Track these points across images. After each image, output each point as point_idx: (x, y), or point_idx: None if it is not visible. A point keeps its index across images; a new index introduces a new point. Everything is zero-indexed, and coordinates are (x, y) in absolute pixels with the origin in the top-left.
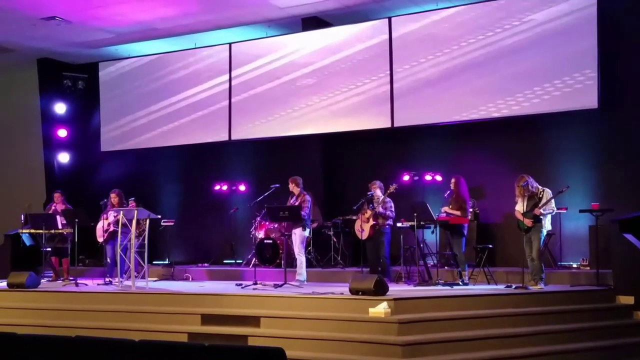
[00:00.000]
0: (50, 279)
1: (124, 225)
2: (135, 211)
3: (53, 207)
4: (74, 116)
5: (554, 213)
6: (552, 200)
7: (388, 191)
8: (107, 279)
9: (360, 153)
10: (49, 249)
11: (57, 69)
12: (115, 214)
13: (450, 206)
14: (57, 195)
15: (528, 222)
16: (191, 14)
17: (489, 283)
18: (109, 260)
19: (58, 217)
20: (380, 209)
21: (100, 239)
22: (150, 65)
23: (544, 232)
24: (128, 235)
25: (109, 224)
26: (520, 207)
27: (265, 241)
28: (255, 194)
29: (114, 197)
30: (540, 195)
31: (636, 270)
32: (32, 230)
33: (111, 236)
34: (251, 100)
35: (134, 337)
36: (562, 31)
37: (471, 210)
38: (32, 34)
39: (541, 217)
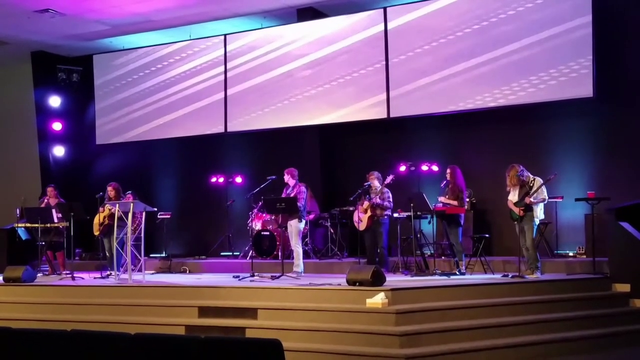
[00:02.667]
0: (47, 273)
1: (120, 218)
2: (131, 204)
3: (46, 201)
4: (69, 109)
5: (545, 202)
6: (544, 189)
7: (384, 182)
8: (107, 273)
9: (357, 144)
10: (44, 243)
11: (51, 62)
12: (112, 208)
13: (447, 196)
14: (50, 190)
15: (518, 210)
16: (187, 5)
17: (485, 272)
18: (107, 253)
19: (54, 211)
20: (378, 200)
21: (96, 233)
22: (145, 57)
23: (537, 221)
24: (124, 228)
25: (104, 217)
26: (512, 196)
27: (262, 233)
28: (252, 186)
29: (110, 191)
30: (531, 184)
31: (632, 258)
32: (28, 224)
33: (108, 229)
34: (247, 92)
35: (131, 330)
36: (558, 20)
37: (468, 199)
38: (26, 27)
39: (532, 206)
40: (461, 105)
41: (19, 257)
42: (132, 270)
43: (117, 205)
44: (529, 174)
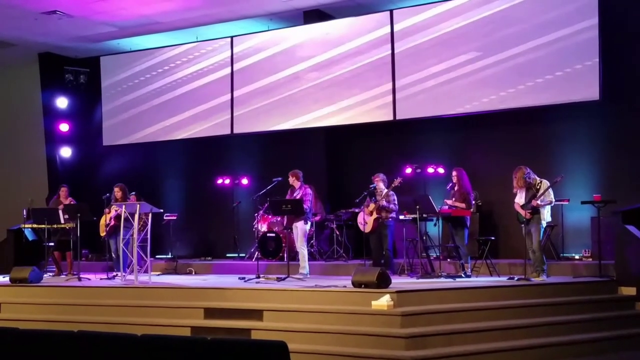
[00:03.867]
0: (53, 274)
1: (126, 219)
2: (138, 205)
3: (68, 200)
4: (76, 110)
5: (552, 204)
6: (551, 192)
7: (392, 185)
8: (113, 274)
9: (363, 146)
10: (52, 244)
11: (58, 63)
12: (118, 209)
13: (454, 199)
14: (64, 190)
15: (524, 213)
16: (193, 7)
17: (491, 275)
18: (114, 255)
19: (60, 212)
20: (384, 202)
21: (102, 234)
22: (152, 59)
23: (544, 223)
24: (130, 229)
25: (110, 219)
26: (519, 199)
27: (268, 235)
28: (258, 187)
29: (117, 192)
30: (538, 187)
31: (638, 262)
32: (35, 225)
33: (114, 230)
34: (253, 94)
35: (137, 332)
36: (564, 22)
37: (474, 202)
38: (33, 29)
39: (539, 208)
40: (467, 108)
41: (26, 258)
42: (138, 271)
43: (124, 206)
44: (536, 176)
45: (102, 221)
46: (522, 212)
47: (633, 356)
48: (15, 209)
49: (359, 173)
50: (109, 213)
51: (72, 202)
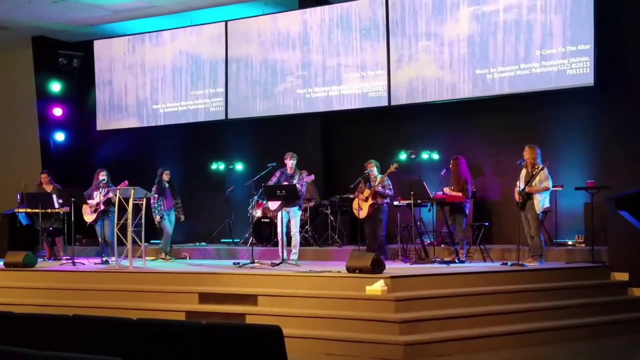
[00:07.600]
0: (44, 258)
1: (113, 204)
2: (132, 190)
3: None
4: (70, 95)
5: (549, 191)
6: (549, 178)
7: (389, 171)
8: (103, 258)
9: (358, 131)
10: (44, 228)
11: (52, 47)
12: (104, 193)
13: (452, 187)
14: (43, 176)
15: (518, 197)
16: None
17: (485, 261)
18: (100, 239)
19: (54, 197)
20: (380, 188)
21: (89, 220)
22: (146, 43)
23: (540, 207)
24: (124, 214)
25: (98, 203)
26: (519, 183)
27: (262, 220)
28: (253, 172)
29: (102, 176)
30: (534, 172)
31: (631, 247)
32: (29, 210)
33: (100, 215)
34: (248, 79)
35: (132, 316)
36: (559, 8)
37: (474, 188)
38: (26, 12)
39: (534, 194)
40: (462, 94)
41: (20, 242)
42: (132, 256)
43: (118, 191)
44: (541, 163)
45: (86, 207)
46: (516, 196)
47: (625, 341)
48: (8, 194)
49: (354, 158)
50: (92, 198)
51: (56, 187)
